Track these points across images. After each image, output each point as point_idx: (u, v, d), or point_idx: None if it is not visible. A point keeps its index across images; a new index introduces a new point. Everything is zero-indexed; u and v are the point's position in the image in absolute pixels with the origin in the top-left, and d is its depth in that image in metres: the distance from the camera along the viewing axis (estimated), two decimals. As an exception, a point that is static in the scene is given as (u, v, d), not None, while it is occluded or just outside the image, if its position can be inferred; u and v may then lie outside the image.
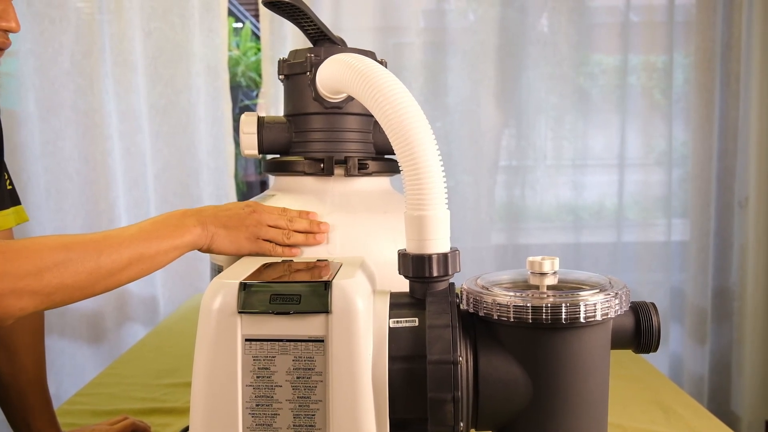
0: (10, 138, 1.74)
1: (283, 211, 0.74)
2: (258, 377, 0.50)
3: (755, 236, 1.84)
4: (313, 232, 0.73)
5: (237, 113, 1.98)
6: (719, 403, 1.95)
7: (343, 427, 0.50)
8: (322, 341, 0.50)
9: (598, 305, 0.51)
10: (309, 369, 0.50)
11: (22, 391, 0.83)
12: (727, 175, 1.89)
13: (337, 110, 0.80)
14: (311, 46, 0.84)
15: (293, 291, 0.51)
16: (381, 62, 0.80)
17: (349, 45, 0.84)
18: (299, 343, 0.50)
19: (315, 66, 0.76)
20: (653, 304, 0.57)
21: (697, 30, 1.84)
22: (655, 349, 0.56)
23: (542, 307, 0.50)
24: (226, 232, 0.71)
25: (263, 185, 3.21)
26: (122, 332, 1.85)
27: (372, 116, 0.72)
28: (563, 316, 0.50)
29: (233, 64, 4.11)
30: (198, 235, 0.69)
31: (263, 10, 1.88)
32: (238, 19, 4.86)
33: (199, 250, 0.70)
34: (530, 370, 0.52)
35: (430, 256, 0.54)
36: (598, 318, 0.51)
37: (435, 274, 0.54)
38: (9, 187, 0.87)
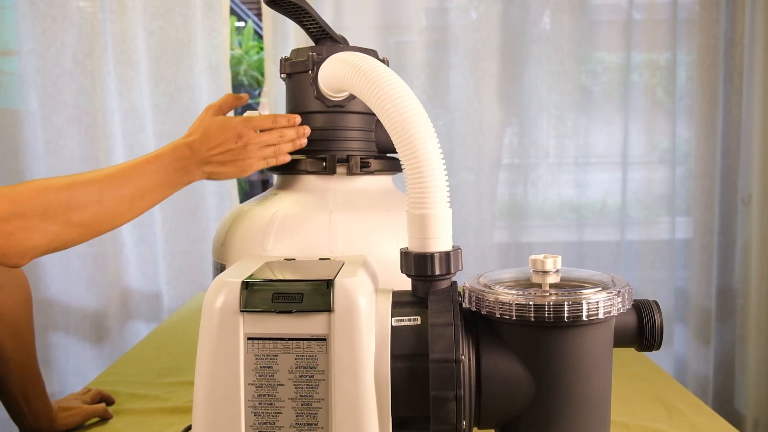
0: (13, 137, 1.74)
1: (273, 120, 0.79)
2: (260, 376, 0.50)
3: (758, 234, 1.84)
4: (300, 137, 0.80)
5: (239, 112, 1.98)
6: (723, 402, 1.95)
7: (346, 426, 0.50)
8: (325, 340, 0.50)
9: (600, 303, 0.51)
10: (311, 368, 0.50)
11: (22, 363, 0.86)
12: (731, 173, 1.89)
13: (339, 109, 0.80)
14: (313, 44, 0.84)
15: (295, 289, 0.51)
16: (383, 60, 0.80)
17: (351, 43, 0.84)
18: (301, 342, 0.50)
19: (317, 64, 0.76)
20: (656, 302, 0.57)
21: (700, 27, 1.84)
22: (658, 348, 0.56)
23: (545, 305, 0.50)
24: (222, 168, 0.78)
25: (265, 184, 3.22)
26: (126, 330, 1.86)
27: (374, 114, 0.72)
28: (566, 315, 0.50)
29: (235, 63, 4.11)
30: (194, 177, 0.77)
31: (266, 9, 1.88)
32: (240, 18, 4.86)
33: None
34: (533, 369, 0.52)
35: (432, 255, 0.54)
36: (601, 316, 0.51)
37: (437, 272, 0.54)
38: None
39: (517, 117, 1.87)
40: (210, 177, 0.78)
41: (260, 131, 0.79)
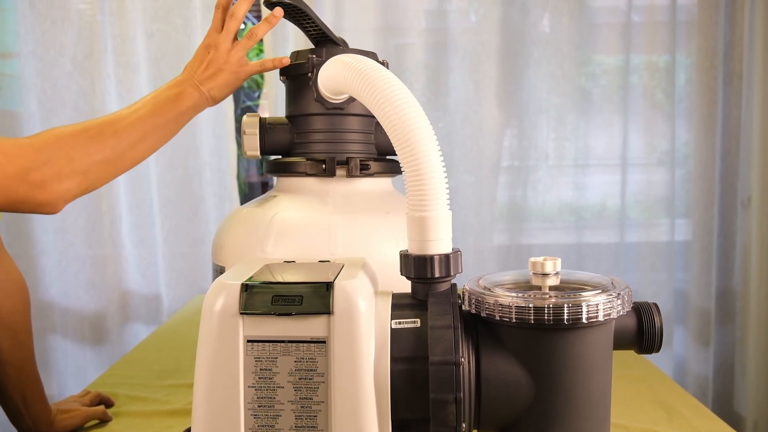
0: (13, 139, 1.74)
1: (218, 7, 0.86)
2: (260, 378, 0.50)
3: (758, 236, 1.84)
4: (247, 2, 0.85)
5: (239, 114, 1.98)
6: (723, 404, 1.94)
7: (345, 428, 0.50)
8: (324, 342, 0.50)
9: (600, 306, 0.51)
10: (311, 370, 0.50)
11: (20, 366, 0.86)
12: (730, 175, 1.89)
13: (338, 111, 0.80)
14: (313, 47, 0.84)
15: (295, 292, 0.51)
16: (383, 63, 0.80)
17: (351, 46, 0.84)
18: (301, 344, 0.50)
19: (316, 67, 0.77)
20: (656, 305, 0.57)
21: (699, 29, 1.84)
22: (658, 350, 0.56)
23: (544, 307, 0.50)
24: (216, 81, 0.82)
25: (265, 186, 3.22)
26: (125, 333, 1.86)
27: (374, 117, 0.72)
28: (565, 317, 0.50)
29: (235, 64, 4.11)
30: (198, 98, 0.81)
31: (265, 12, 1.88)
32: (239, 20, 4.86)
33: (208, 107, 0.82)
34: (532, 371, 0.52)
35: (431, 257, 0.54)
36: (601, 319, 0.51)
37: (437, 275, 0.54)
38: None
39: (517, 119, 1.87)
40: (214, 96, 0.82)
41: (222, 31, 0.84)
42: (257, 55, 4.28)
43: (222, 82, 0.83)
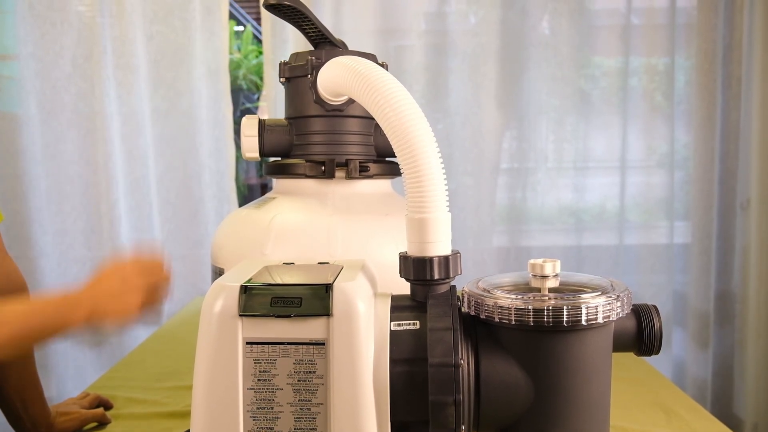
0: (12, 141, 1.74)
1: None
2: (259, 380, 0.50)
3: (757, 238, 1.84)
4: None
5: (238, 116, 1.98)
6: (722, 406, 1.94)
7: (344, 430, 0.50)
8: (323, 344, 0.50)
9: (599, 308, 0.50)
10: (310, 372, 0.50)
11: (19, 368, 0.86)
12: (729, 177, 1.89)
13: (338, 113, 0.80)
14: (312, 48, 0.84)
15: (294, 294, 0.51)
16: (382, 65, 0.80)
17: (350, 47, 0.84)
18: (300, 346, 0.50)
19: (316, 69, 0.77)
20: (655, 307, 0.57)
21: (698, 32, 1.84)
22: (657, 352, 0.56)
23: (544, 309, 0.50)
24: (105, 313, 0.71)
25: (264, 188, 3.22)
26: (124, 334, 1.85)
27: (373, 119, 0.72)
28: (565, 319, 0.50)
29: (234, 67, 4.11)
30: (84, 318, 0.70)
31: (264, 13, 1.88)
32: (239, 23, 4.86)
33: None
34: (532, 373, 0.52)
35: (431, 259, 0.54)
36: (600, 321, 0.51)
37: (436, 276, 0.54)
38: None
39: (516, 121, 1.87)
40: (94, 320, 0.72)
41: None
42: (256, 57, 4.29)
43: (118, 304, 0.73)
